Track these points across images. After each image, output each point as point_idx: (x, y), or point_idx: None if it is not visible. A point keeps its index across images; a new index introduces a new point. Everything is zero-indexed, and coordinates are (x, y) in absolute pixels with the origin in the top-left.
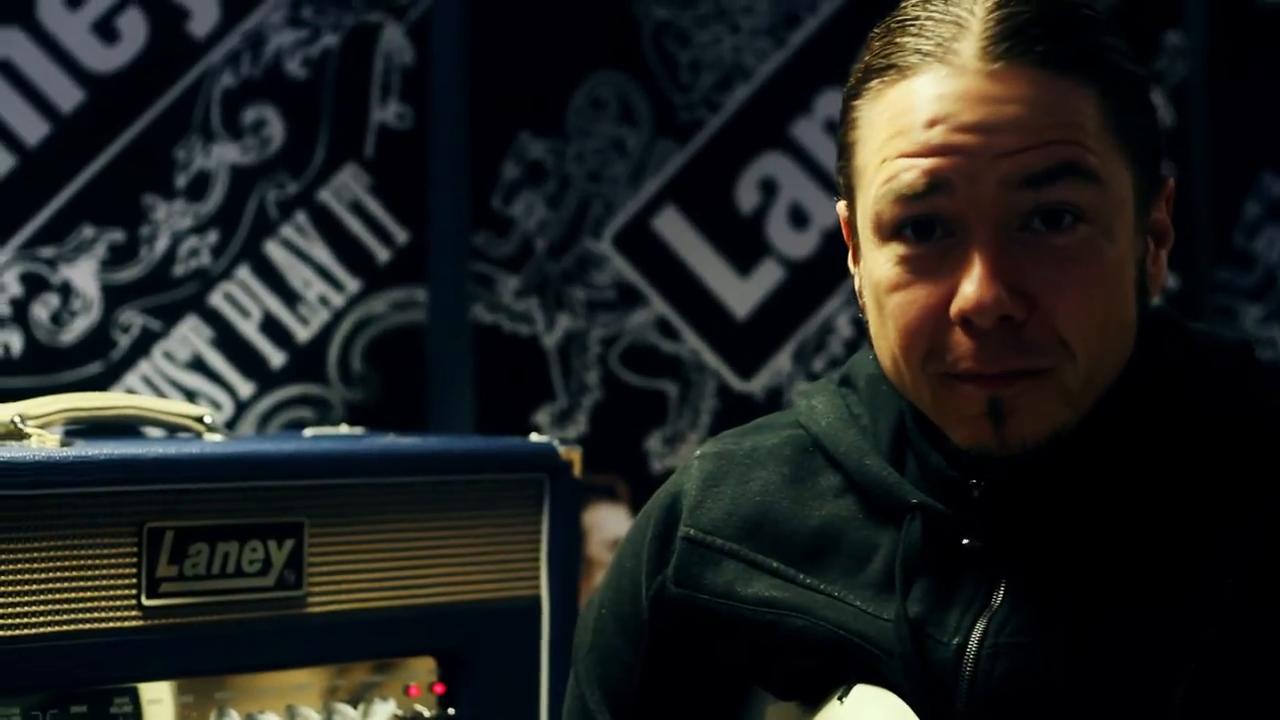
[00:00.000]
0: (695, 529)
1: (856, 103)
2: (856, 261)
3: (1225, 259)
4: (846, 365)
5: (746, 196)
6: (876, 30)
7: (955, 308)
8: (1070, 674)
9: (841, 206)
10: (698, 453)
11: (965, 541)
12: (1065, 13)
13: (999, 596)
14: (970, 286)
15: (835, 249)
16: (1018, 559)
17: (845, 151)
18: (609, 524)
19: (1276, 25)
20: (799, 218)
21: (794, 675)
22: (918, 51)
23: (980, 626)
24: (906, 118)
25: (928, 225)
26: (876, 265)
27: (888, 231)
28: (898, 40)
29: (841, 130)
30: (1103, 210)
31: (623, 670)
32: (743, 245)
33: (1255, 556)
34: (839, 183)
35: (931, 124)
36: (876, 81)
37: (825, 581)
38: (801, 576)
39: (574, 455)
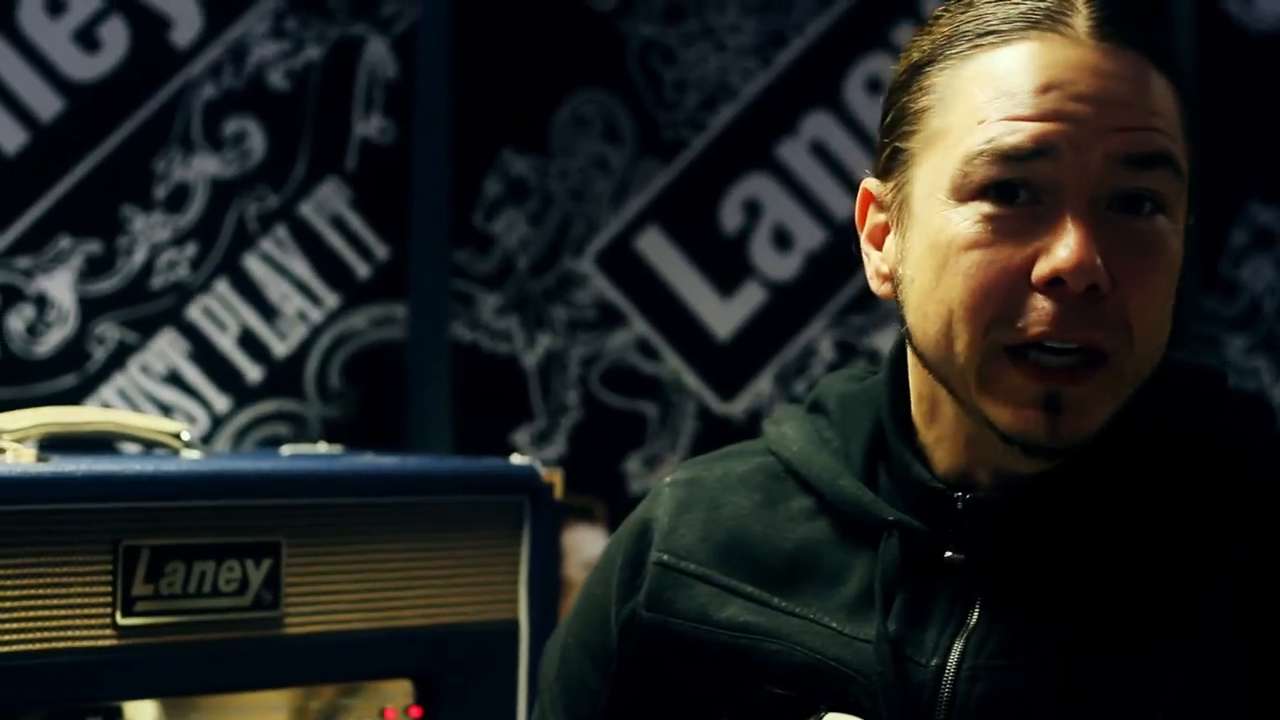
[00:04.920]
0: (669, 554)
1: (932, 68)
2: (878, 240)
3: (1210, 288)
4: (814, 391)
5: (730, 217)
6: (951, 4)
7: (1048, 267)
8: (1049, 698)
9: (873, 183)
10: (667, 480)
11: (948, 555)
12: (1156, 7)
13: (974, 616)
14: (1066, 249)
15: (818, 271)
16: (994, 577)
17: (907, 119)
18: (586, 546)
19: (1265, 52)
20: (782, 239)
21: (765, 704)
22: (1024, 18)
23: (958, 647)
24: (1012, 80)
25: (1011, 189)
26: (949, 224)
27: (973, 191)
28: (991, 9)
29: (902, 98)
30: (1178, 206)
31: (590, 698)
32: (725, 266)
33: (1230, 589)
34: (883, 153)
35: (1045, 89)
36: (966, 46)
37: (800, 605)
38: (776, 600)
39: (555, 477)
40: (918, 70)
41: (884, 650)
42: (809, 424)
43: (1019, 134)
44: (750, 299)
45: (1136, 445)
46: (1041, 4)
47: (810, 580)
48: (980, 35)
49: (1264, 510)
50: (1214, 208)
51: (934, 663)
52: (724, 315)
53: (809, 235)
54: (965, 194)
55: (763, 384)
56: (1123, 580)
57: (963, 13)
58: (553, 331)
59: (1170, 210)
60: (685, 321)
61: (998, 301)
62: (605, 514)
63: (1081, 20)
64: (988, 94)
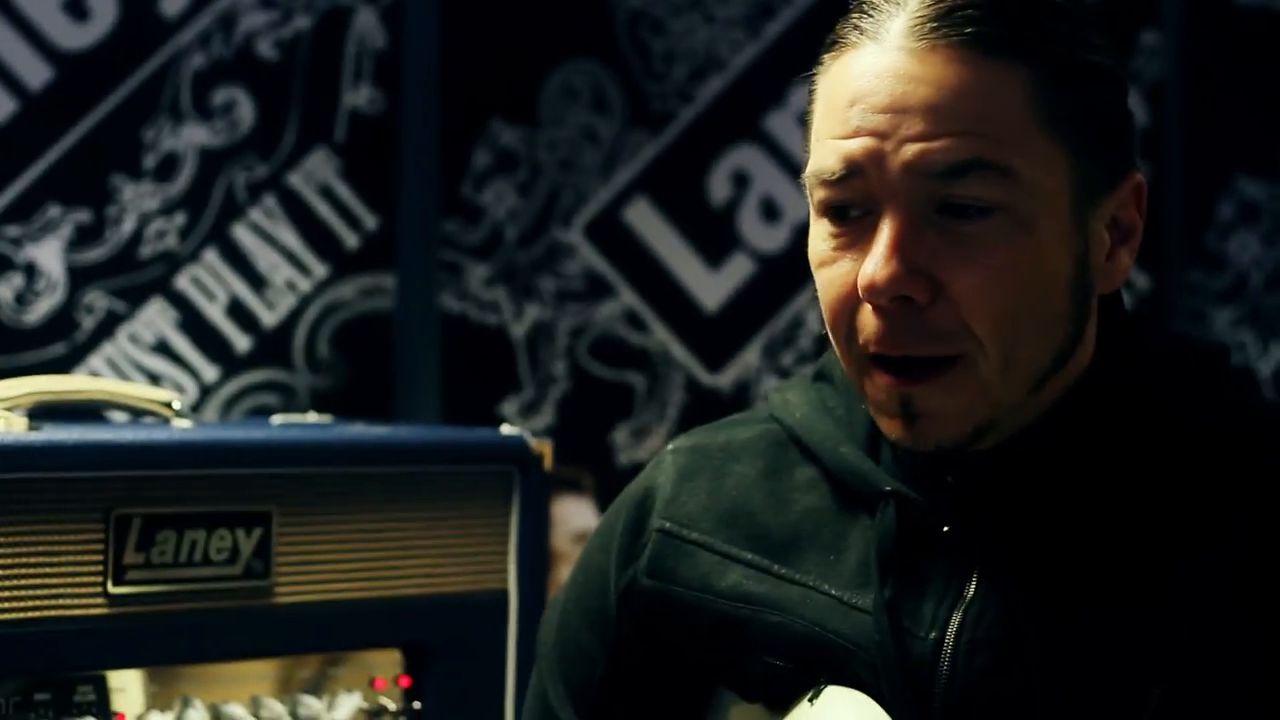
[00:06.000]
0: (671, 521)
1: (815, 77)
2: None
3: (1196, 261)
4: (821, 360)
5: (718, 188)
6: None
7: (857, 285)
8: (1047, 670)
9: None
10: (670, 447)
11: (945, 529)
12: None
13: (971, 588)
14: (869, 264)
15: (806, 243)
16: (990, 550)
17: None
18: (574, 517)
19: (1252, 25)
20: (771, 211)
21: (763, 675)
22: (857, 28)
23: (956, 620)
24: (836, 96)
25: (842, 208)
26: (812, 240)
27: (818, 210)
28: (852, 16)
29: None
30: (1017, 202)
31: (588, 665)
32: (714, 238)
33: (1227, 561)
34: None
35: (851, 103)
36: (828, 56)
37: (801, 572)
38: (776, 568)
39: (544, 448)
40: (811, 75)
41: (882, 620)
42: (814, 391)
43: (831, 157)
44: (738, 270)
45: (1127, 418)
46: (878, 11)
47: (812, 549)
48: (833, 45)
49: (1261, 482)
50: (1200, 180)
51: (932, 635)
52: (712, 286)
53: (797, 206)
54: (816, 211)
55: (751, 356)
56: (1119, 552)
57: (846, 15)
58: (541, 302)
59: (1005, 208)
60: (673, 293)
61: (845, 318)
62: (593, 485)
63: (899, 25)
64: (822, 109)
